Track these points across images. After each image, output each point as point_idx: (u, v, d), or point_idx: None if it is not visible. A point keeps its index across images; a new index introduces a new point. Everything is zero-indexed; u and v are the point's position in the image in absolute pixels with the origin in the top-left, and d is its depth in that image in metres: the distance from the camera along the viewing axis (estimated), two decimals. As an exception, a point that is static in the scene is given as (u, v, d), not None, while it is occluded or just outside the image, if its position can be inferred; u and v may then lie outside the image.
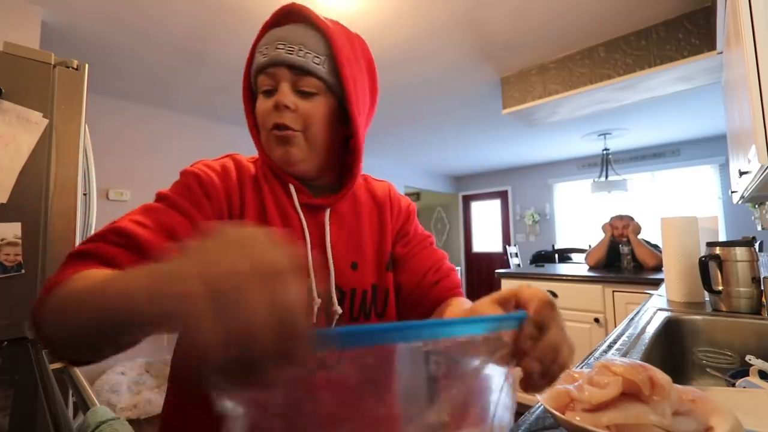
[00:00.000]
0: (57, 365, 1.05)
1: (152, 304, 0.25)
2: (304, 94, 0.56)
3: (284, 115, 0.55)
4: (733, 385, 0.74)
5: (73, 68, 1.24)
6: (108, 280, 0.33)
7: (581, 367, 0.69)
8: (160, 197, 0.53)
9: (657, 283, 1.93)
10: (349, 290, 0.60)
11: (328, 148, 0.60)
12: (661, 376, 0.39)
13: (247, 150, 0.71)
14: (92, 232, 1.42)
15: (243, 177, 0.60)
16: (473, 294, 6.22)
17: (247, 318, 0.21)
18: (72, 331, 0.35)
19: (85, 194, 1.38)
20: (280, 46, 0.55)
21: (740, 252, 1.10)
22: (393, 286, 0.66)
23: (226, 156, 0.63)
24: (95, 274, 0.37)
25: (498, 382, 0.30)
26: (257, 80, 0.57)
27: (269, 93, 0.57)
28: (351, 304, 0.60)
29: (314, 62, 0.55)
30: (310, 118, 0.56)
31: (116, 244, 0.44)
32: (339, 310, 0.58)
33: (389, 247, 0.66)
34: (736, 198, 1.65)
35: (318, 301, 0.57)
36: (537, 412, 0.54)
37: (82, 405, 0.82)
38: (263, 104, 0.57)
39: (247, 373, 0.21)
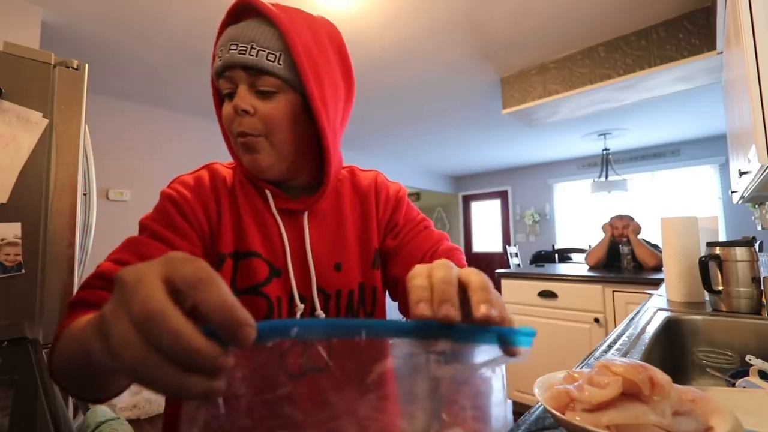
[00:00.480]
0: (57, 365, 1.04)
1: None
2: (264, 94, 0.53)
3: (243, 121, 0.52)
4: (733, 385, 0.74)
5: (73, 68, 1.24)
6: (83, 326, 0.36)
7: (581, 367, 0.69)
8: (142, 227, 0.54)
9: (657, 283, 1.93)
10: (334, 292, 0.59)
11: (298, 148, 0.57)
12: (661, 376, 0.39)
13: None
14: (92, 232, 1.42)
15: (218, 188, 0.58)
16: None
17: (116, 341, 0.21)
18: (72, 375, 0.38)
19: (85, 194, 1.38)
20: (233, 47, 0.51)
21: (740, 252, 1.10)
22: (382, 283, 0.64)
23: (203, 167, 0.62)
24: (79, 322, 0.40)
25: (490, 376, 0.29)
26: (219, 85, 0.55)
27: (231, 96, 0.54)
28: (337, 306, 0.59)
29: (269, 60, 0.51)
30: (271, 120, 0.53)
31: (102, 288, 0.46)
32: (322, 314, 0.57)
33: (375, 243, 0.64)
34: (736, 198, 1.65)
35: (301, 307, 0.56)
36: (537, 412, 0.54)
37: (82, 405, 0.82)
38: (225, 109, 0.54)
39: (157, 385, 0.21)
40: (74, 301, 0.45)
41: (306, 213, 0.59)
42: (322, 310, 0.57)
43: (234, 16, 0.55)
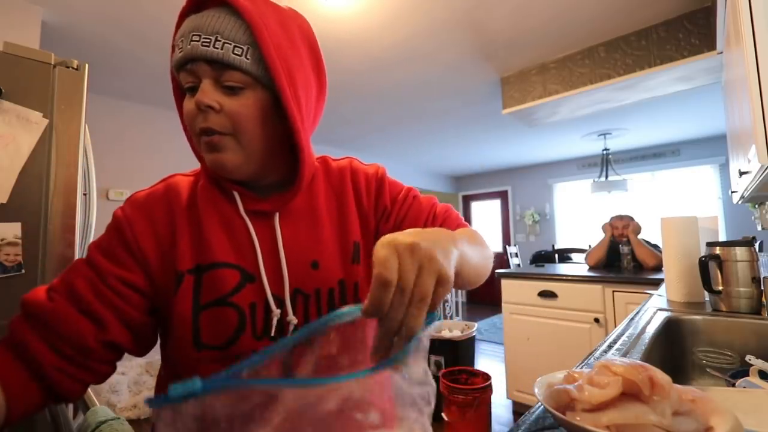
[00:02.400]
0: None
1: None
2: (230, 90, 0.49)
3: (209, 117, 0.49)
4: (733, 385, 0.74)
5: (73, 68, 1.24)
6: None
7: (581, 367, 0.69)
8: (87, 251, 0.54)
9: (657, 283, 1.93)
10: (313, 291, 0.56)
11: (267, 147, 0.53)
12: (661, 376, 0.39)
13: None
14: (92, 232, 1.42)
15: (172, 205, 0.55)
16: (473, 293, 6.22)
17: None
18: None
19: (85, 194, 1.38)
20: (195, 38, 0.47)
21: (740, 252, 1.10)
22: (365, 278, 0.60)
23: (161, 181, 0.59)
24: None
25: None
26: (179, 78, 0.51)
27: (193, 90, 0.50)
28: (318, 305, 0.56)
29: (235, 53, 0.48)
30: (239, 118, 0.49)
31: (24, 318, 0.49)
32: (294, 319, 0.54)
33: (355, 236, 0.60)
34: (736, 198, 1.65)
35: (277, 312, 0.53)
36: (537, 412, 0.54)
37: (82, 405, 0.82)
38: (187, 104, 0.50)
39: None
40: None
41: (277, 214, 0.56)
42: (301, 310, 0.55)
43: (195, 5, 0.51)
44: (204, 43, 0.47)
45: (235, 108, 0.49)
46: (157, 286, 0.53)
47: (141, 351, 0.54)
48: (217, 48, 0.47)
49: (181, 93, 0.54)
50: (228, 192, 0.56)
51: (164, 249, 0.53)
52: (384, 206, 0.63)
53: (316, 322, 0.35)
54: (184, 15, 0.51)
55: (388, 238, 0.36)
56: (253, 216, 0.56)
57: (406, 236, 0.36)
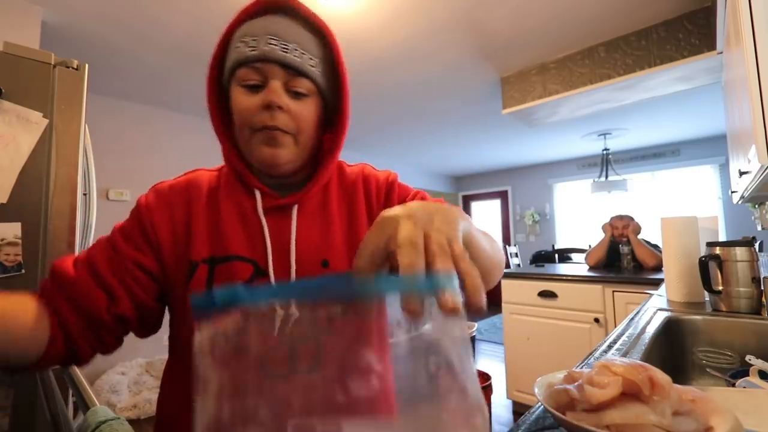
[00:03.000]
0: (56, 366, 1.04)
1: None
2: (296, 95, 0.53)
3: (276, 116, 0.52)
4: (733, 385, 0.74)
5: (73, 68, 1.24)
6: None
7: (581, 367, 0.69)
8: (112, 231, 0.57)
9: (657, 283, 1.93)
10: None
11: (312, 148, 0.59)
12: (661, 376, 0.39)
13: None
14: (92, 232, 1.42)
15: (192, 197, 0.59)
16: (473, 294, 6.23)
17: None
18: None
19: (85, 194, 1.38)
20: (273, 42, 0.51)
21: (740, 252, 1.10)
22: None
23: (185, 174, 0.63)
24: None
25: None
26: (237, 72, 0.53)
27: (254, 88, 0.52)
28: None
29: (310, 64, 0.53)
30: (303, 121, 0.54)
31: (52, 281, 0.51)
32: (296, 313, 0.56)
33: (362, 237, 0.62)
34: (736, 198, 1.65)
35: (281, 312, 0.55)
36: (537, 412, 0.54)
37: (82, 405, 0.82)
38: (247, 100, 0.53)
39: None
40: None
41: (296, 206, 0.59)
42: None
43: (263, 8, 0.55)
44: (282, 49, 0.51)
45: (301, 111, 0.54)
46: (167, 273, 0.56)
47: (143, 332, 0.58)
48: (296, 56, 0.52)
49: (217, 85, 0.58)
50: (249, 189, 0.59)
51: (178, 238, 0.56)
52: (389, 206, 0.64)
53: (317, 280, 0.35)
54: (249, 16, 0.55)
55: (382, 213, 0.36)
56: (271, 212, 0.58)
57: (399, 208, 0.35)
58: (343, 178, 0.66)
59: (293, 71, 0.52)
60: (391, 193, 0.66)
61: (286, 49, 0.51)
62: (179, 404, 0.56)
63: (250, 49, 0.51)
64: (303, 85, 0.53)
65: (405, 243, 0.30)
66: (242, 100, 0.53)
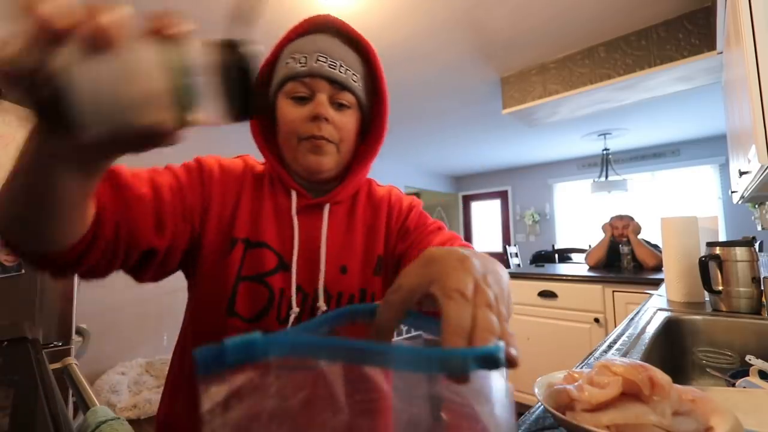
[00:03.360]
0: (57, 365, 1.05)
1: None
2: (340, 107, 0.58)
3: (323, 126, 0.56)
4: (733, 385, 0.74)
5: (73, 68, 1.24)
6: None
7: (581, 367, 0.69)
8: (171, 168, 0.59)
9: (657, 283, 1.93)
10: (336, 294, 0.60)
11: (350, 157, 0.63)
12: (661, 376, 0.39)
13: (246, 149, 0.71)
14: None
15: (245, 178, 0.62)
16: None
17: None
18: (12, 209, 0.36)
19: (85, 194, 1.38)
20: (321, 59, 0.56)
21: (740, 252, 1.10)
22: (381, 291, 0.63)
23: (239, 157, 0.67)
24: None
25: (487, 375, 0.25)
26: (286, 85, 0.58)
27: (302, 100, 0.57)
28: (338, 308, 0.59)
29: (353, 79, 0.59)
30: (345, 132, 0.59)
31: (110, 186, 0.47)
32: (323, 306, 0.58)
33: (379, 249, 0.65)
34: (736, 198, 1.65)
35: (296, 310, 0.56)
36: (537, 412, 0.54)
37: (82, 405, 0.82)
38: (296, 111, 0.57)
39: None
40: None
41: (328, 205, 0.62)
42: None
43: (310, 27, 0.60)
44: (330, 66, 0.57)
45: (344, 123, 0.59)
46: (202, 242, 0.57)
47: (152, 275, 0.54)
48: (342, 72, 0.57)
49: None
50: (287, 189, 0.62)
51: (224, 217, 0.58)
52: (407, 228, 0.67)
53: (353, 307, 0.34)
54: (298, 34, 0.60)
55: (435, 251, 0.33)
56: (304, 211, 0.61)
57: (452, 250, 0.32)
58: (371, 193, 0.71)
59: (338, 85, 0.57)
60: (409, 216, 0.69)
61: (334, 65, 0.57)
62: (185, 404, 0.56)
63: (301, 65, 0.56)
64: (346, 98, 0.58)
65: (456, 294, 0.27)
66: (291, 111, 0.57)
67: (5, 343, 1.04)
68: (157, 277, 0.55)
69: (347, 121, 0.59)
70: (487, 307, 0.27)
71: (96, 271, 0.46)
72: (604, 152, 4.71)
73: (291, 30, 0.61)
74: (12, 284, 1.07)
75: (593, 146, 5.16)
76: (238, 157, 0.66)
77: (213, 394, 0.22)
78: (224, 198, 0.59)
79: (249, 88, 0.29)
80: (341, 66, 0.57)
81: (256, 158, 0.69)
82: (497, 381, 0.25)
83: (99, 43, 0.24)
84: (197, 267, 0.57)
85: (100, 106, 0.25)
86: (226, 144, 2.42)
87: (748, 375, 0.74)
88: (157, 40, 0.26)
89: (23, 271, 1.09)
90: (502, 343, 0.24)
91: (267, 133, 0.64)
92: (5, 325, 1.06)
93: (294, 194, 0.61)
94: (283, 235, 0.59)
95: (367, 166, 0.66)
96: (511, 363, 0.25)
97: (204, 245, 0.56)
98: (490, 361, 0.23)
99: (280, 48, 0.61)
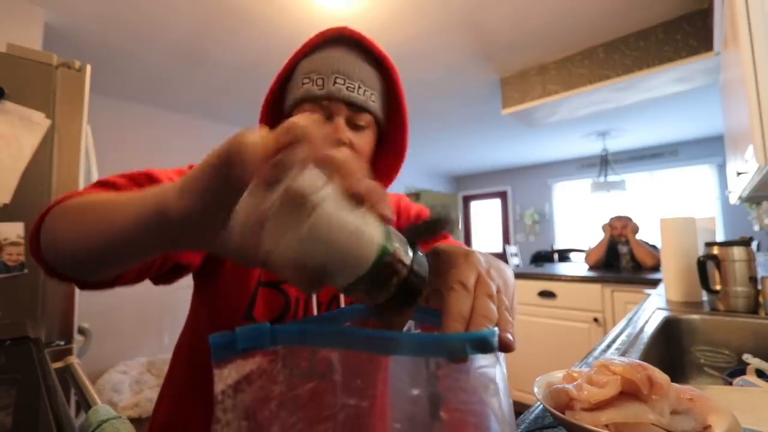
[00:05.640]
0: (59, 364, 1.05)
1: (183, 188, 0.23)
2: (357, 128, 0.57)
3: (342, 151, 0.55)
4: (731, 383, 0.74)
5: (75, 69, 1.24)
6: (136, 191, 0.31)
7: (580, 367, 0.70)
8: (151, 171, 0.52)
9: (655, 283, 1.94)
10: (349, 303, 0.60)
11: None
12: (660, 375, 0.39)
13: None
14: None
15: None
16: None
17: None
18: (83, 234, 0.32)
19: (86, 194, 1.38)
20: (339, 81, 0.54)
21: (738, 252, 1.11)
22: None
23: None
24: (120, 195, 0.34)
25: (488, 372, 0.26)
26: (302, 105, 0.56)
27: None
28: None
29: (372, 101, 0.56)
30: (363, 153, 0.57)
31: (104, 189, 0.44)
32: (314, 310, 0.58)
33: None
34: (733, 198, 1.66)
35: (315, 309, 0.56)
36: (536, 411, 0.54)
37: (84, 404, 0.82)
38: None
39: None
40: (84, 189, 0.43)
41: None
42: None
43: (326, 41, 0.57)
44: (349, 88, 0.54)
45: (362, 144, 0.57)
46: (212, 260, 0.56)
47: (165, 281, 0.53)
48: (360, 95, 0.55)
49: (272, 111, 0.60)
50: None
51: None
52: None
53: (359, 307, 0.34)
54: (314, 47, 0.57)
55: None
56: None
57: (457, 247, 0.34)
58: (408, 213, 0.70)
59: (355, 107, 0.55)
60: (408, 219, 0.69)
61: (352, 88, 0.54)
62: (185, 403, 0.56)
63: (318, 87, 0.54)
64: (364, 119, 0.56)
65: (458, 285, 0.28)
66: None
67: (8, 342, 1.04)
68: (173, 281, 0.55)
69: (365, 142, 0.57)
70: (488, 297, 0.28)
71: (123, 284, 0.45)
72: (603, 152, 4.71)
73: (306, 43, 0.58)
74: (14, 283, 1.07)
75: (592, 146, 5.17)
76: None
77: (225, 377, 0.24)
78: None
79: (411, 300, 0.27)
80: (360, 87, 0.55)
81: None
82: (496, 368, 0.26)
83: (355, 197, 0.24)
84: (219, 271, 0.57)
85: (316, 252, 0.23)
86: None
87: (745, 374, 0.75)
88: (371, 209, 0.25)
89: (26, 270, 1.09)
90: (496, 329, 0.25)
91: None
92: (8, 324, 1.06)
93: None
94: None
95: (390, 183, 0.64)
96: (504, 347, 0.26)
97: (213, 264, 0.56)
98: (484, 345, 0.24)
99: (294, 63, 0.58)
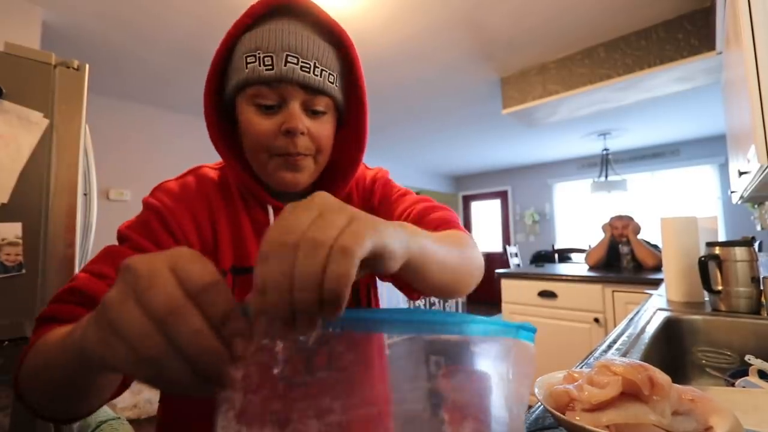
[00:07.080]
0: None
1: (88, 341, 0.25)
2: (315, 113, 0.50)
3: (298, 142, 0.48)
4: (733, 384, 0.74)
5: (73, 68, 1.24)
6: (65, 333, 0.33)
7: (581, 367, 0.69)
8: (122, 237, 0.49)
9: (656, 283, 1.93)
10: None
11: (329, 161, 0.56)
12: (661, 376, 0.39)
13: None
14: (92, 232, 1.42)
15: (210, 197, 0.55)
16: (472, 294, 6.23)
17: (133, 332, 0.21)
18: (48, 389, 0.35)
19: (85, 194, 1.38)
20: (292, 60, 0.46)
21: (739, 252, 1.10)
22: (375, 278, 0.61)
23: (189, 173, 0.58)
24: (56, 333, 0.36)
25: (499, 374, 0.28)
26: (248, 89, 0.48)
27: (270, 109, 0.48)
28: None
29: (329, 81, 0.49)
30: (323, 140, 0.51)
31: (76, 303, 0.42)
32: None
33: None
34: (735, 198, 1.65)
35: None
36: (537, 412, 0.54)
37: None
38: (264, 123, 0.48)
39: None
40: (44, 316, 0.41)
41: None
42: None
43: (272, 10, 0.49)
44: (303, 68, 0.46)
45: (320, 131, 0.51)
46: None
47: None
48: (317, 75, 0.48)
49: (216, 97, 0.54)
50: (263, 205, 0.57)
51: (206, 244, 0.53)
52: (371, 207, 0.62)
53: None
54: (257, 18, 0.49)
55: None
56: None
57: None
58: (363, 183, 0.65)
59: (312, 90, 0.48)
60: (372, 194, 0.63)
61: (307, 67, 0.47)
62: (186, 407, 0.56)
63: (266, 67, 0.46)
64: (322, 103, 0.50)
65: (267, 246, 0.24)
66: (258, 122, 0.48)
67: (6, 342, 1.05)
68: None
69: (324, 128, 0.51)
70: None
71: (117, 396, 0.44)
72: (604, 152, 4.71)
73: (245, 13, 0.49)
74: (12, 284, 1.07)
75: (593, 146, 5.17)
76: (186, 173, 0.58)
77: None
78: (197, 227, 0.52)
79: None
80: (315, 67, 0.47)
81: (207, 160, 0.61)
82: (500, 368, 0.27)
83: None
84: None
85: None
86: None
87: (747, 375, 0.74)
88: None
89: (24, 270, 1.09)
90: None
91: (228, 138, 0.56)
92: (6, 324, 1.06)
93: (271, 210, 0.56)
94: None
95: (352, 174, 0.58)
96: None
97: None
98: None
99: (235, 35, 0.50)
